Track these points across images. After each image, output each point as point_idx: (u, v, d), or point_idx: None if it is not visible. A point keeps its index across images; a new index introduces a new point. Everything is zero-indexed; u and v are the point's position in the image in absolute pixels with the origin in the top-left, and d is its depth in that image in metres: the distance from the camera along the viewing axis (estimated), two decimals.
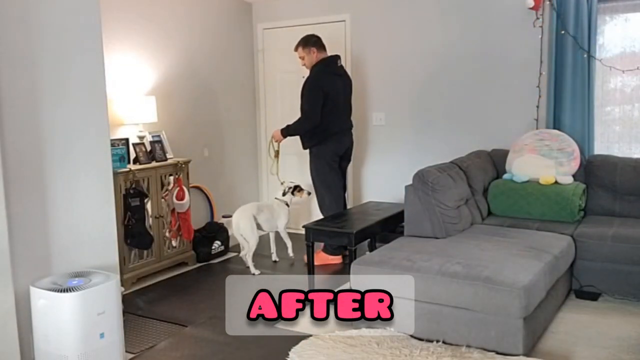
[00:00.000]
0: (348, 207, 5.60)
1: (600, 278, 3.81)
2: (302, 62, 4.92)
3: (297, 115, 4.87)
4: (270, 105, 6.30)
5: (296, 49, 4.91)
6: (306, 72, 4.95)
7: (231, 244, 5.42)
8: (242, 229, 4.75)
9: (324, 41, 4.91)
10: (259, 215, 4.82)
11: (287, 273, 4.80)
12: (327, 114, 4.72)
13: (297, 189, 5.06)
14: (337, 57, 4.89)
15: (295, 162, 5.84)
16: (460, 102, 5.19)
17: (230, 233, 5.27)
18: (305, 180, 5.21)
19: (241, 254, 4.86)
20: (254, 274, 4.71)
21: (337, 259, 4.95)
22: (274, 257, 5.07)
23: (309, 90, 4.71)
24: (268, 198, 6.14)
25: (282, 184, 5.10)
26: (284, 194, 5.03)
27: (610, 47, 4.59)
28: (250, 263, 4.76)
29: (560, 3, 4.58)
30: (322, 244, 4.89)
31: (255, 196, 6.29)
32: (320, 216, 4.88)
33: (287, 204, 5.02)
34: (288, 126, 4.87)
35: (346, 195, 5.22)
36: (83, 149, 3.11)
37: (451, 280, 3.05)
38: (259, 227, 4.83)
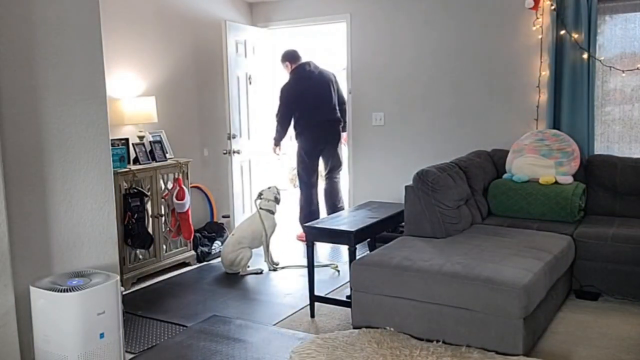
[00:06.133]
0: (348, 207, 5.61)
1: (600, 278, 3.81)
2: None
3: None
4: None
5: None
6: None
7: None
8: (238, 261, 4.73)
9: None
10: (243, 242, 4.77)
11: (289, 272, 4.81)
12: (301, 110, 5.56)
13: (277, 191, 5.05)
14: (307, 63, 5.62)
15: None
16: (460, 102, 5.19)
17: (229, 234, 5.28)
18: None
19: (241, 272, 4.78)
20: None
21: None
22: (271, 266, 4.87)
23: (279, 99, 5.59)
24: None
25: (260, 196, 4.95)
26: (276, 201, 4.94)
27: (610, 47, 4.59)
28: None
29: (560, 3, 4.59)
30: None
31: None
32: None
33: (272, 212, 4.92)
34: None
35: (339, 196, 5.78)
36: (83, 149, 3.11)
37: (451, 280, 3.05)
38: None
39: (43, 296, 2.71)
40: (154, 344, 3.43)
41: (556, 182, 4.26)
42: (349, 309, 3.58)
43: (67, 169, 3.04)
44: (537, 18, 4.73)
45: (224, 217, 5.75)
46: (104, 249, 3.24)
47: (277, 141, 5.73)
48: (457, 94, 5.20)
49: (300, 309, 3.92)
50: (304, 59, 5.64)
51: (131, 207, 4.40)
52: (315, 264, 4.62)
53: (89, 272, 2.93)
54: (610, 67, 4.56)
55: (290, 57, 5.63)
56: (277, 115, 5.60)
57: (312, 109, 5.53)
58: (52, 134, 2.97)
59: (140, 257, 4.61)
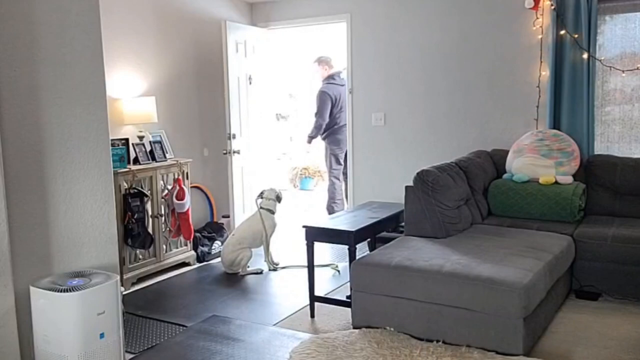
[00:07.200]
0: (348, 207, 5.63)
1: (600, 278, 3.81)
2: (315, 74, 6.45)
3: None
4: None
5: (314, 63, 6.41)
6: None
7: None
8: (238, 261, 4.73)
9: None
10: (243, 243, 4.77)
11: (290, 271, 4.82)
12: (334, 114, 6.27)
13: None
14: (339, 73, 6.28)
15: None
16: (460, 102, 5.19)
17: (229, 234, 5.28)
18: None
19: (241, 272, 4.78)
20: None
21: None
22: (271, 266, 4.87)
23: (318, 99, 6.26)
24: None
25: (261, 195, 4.97)
26: (278, 199, 4.97)
27: (610, 47, 4.59)
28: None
29: (560, 3, 4.59)
30: None
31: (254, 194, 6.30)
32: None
33: (272, 212, 4.93)
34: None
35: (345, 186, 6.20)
36: (83, 149, 3.11)
37: (451, 280, 3.05)
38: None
39: (43, 296, 2.71)
40: (154, 344, 3.43)
41: (556, 182, 4.26)
42: (349, 309, 3.58)
43: (67, 169, 3.04)
44: (537, 18, 4.73)
45: (224, 217, 5.75)
46: (104, 249, 3.24)
47: (312, 138, 6.41)
48: (457, 94, 5.20)
49: (300, 309, 3.92)
50: (335, 68, 6.38)
51: (131, 207, 4.40)
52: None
53: (89, 272, 2.93)
54: (610, 67, 4.56)
55: (327, 63, 6.37)
56: (316, 114, 6.22)
57: (337, 113, 6.26)
58: (52, 134, 2.97)
59: (140, 257, 4.61)
